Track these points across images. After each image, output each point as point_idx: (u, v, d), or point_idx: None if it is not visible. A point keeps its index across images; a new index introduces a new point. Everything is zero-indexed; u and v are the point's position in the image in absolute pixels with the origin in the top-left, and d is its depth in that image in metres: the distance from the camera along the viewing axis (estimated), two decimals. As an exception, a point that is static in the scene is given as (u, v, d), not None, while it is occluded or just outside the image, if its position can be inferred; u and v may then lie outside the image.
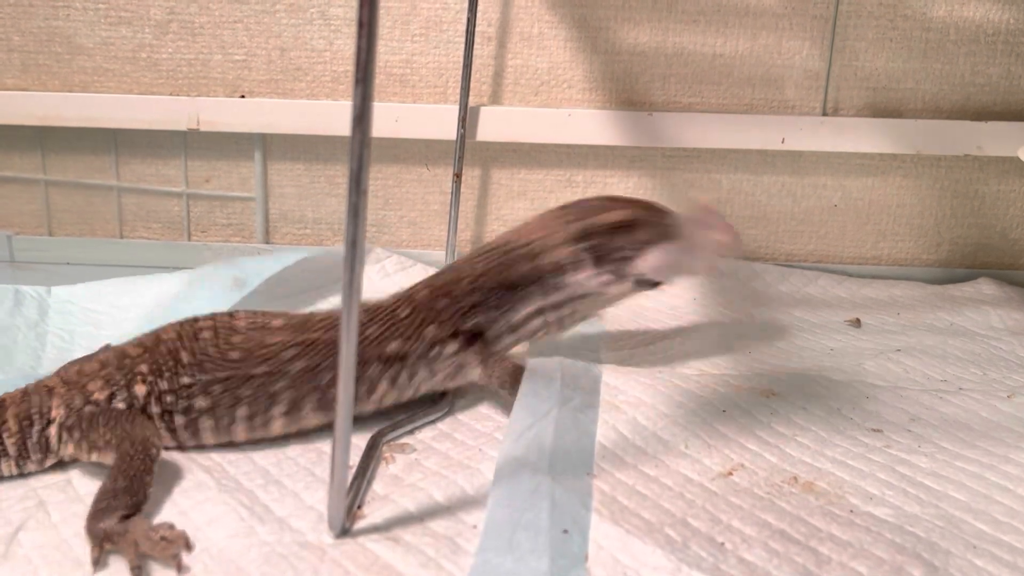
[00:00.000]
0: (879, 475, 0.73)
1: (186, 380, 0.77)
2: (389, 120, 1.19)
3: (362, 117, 0.56)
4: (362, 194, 0.58)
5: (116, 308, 1.06)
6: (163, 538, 0.64)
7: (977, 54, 1.20)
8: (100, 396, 0.75)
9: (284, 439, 0.80)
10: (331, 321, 0.82)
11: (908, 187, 1.26)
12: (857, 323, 1.10)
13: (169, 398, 0.76)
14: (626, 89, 1.22)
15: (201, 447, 0.78)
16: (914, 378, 0.94)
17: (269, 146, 1.24)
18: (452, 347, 0.84)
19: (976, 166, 1.25)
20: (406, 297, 0.86)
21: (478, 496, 0.70)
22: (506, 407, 0.85)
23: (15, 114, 1.19)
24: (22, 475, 0.74)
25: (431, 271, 1.17)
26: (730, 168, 1.25)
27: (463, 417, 0.85)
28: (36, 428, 0.74)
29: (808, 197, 1.26)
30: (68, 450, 0.74)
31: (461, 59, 1.17)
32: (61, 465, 0.75)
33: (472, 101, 1.20)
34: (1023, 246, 1.28)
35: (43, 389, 0.76)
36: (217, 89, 1.21)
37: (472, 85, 1.19)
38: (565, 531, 0.64)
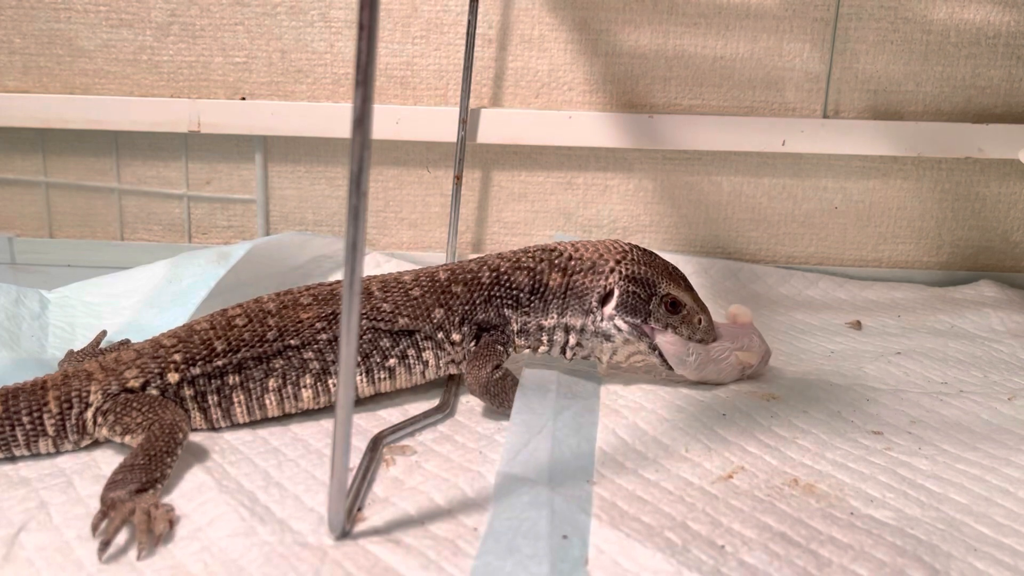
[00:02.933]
0: (880, 478, 0.73)
1: (219, 363, 0.81)
2: (390, 122, 1.19)
3: (363, 119, 0.56)
4: (362, 196, 0.58)
5: (113, 297, 1.07)
6: (150, 515, 0.66)
7: (978, 56, 1.20)
8: (135, 383, 0.79)
9: (283, 440, 0.80)
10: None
11: (909, 189, 1.26)
12: (858, 325, 1.10)
13: (202, 381, 0.81)
14: (627, 91, 1.22)
15: (234, 426, 0.82)
16: (915, 380, 0.94)
17: (270, 148, 1.24)
18: (457, 336, 0.86)
19: (977, 168, 1.25)
20: (428, 275, 0.87)
21: (479, 499, 0.70)
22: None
23: (16, 116, 1.20)
24: (57, 453, 0.78)
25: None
26: (731, 170, 1.25)
27: (463, 419, 0.85)
28: (75, 411, 0.78)
29: (809, 199, 1.26)
30: (103, 432, 0.78)
31: (462, 61, 1.18)
32: (62, 466, 0.76)
33: (473, 103, 1.20)
34: (1024, 248, 1.28)
35: (83, 374, 0.79)
36: (218, 91, 1.21)
37: (473, 87, 1.19)
38: (565, 536, 0.64)
